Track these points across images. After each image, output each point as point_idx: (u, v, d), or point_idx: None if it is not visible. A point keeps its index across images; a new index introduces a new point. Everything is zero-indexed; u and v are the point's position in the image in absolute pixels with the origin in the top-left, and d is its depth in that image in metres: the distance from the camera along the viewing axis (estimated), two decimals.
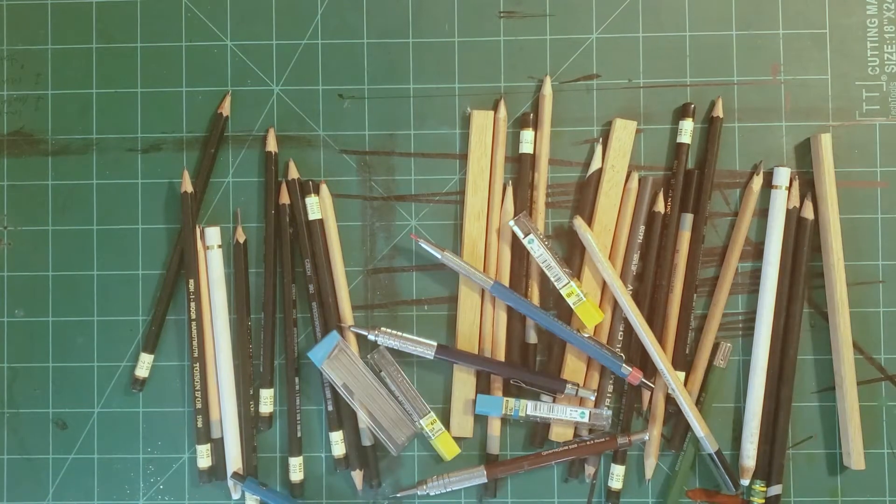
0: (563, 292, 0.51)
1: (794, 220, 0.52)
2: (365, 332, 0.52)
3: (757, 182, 0.52)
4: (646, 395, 0.52)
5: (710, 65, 0.53)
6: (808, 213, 0.52)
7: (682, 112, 0.52)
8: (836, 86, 0.53)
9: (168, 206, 0.54)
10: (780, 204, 0.52)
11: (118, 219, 0.54)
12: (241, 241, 0.53)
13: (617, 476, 0.52)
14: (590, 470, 0.53)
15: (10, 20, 0.55)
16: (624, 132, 0.53)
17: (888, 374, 0.53)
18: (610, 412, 0.52)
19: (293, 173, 0.53)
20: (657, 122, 0.53)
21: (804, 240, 0.52)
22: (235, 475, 0.52)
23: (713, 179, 0.52)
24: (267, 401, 0.53)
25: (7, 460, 0.54)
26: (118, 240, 0.54)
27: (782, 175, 0.52)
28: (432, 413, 0.52)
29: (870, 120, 0.53)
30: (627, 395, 0.52)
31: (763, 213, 0.53)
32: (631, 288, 0.52)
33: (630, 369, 0.51)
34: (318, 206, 0.53)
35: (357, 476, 0.53)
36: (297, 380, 0.53)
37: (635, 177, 0.52)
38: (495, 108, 0.53)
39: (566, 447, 0.52)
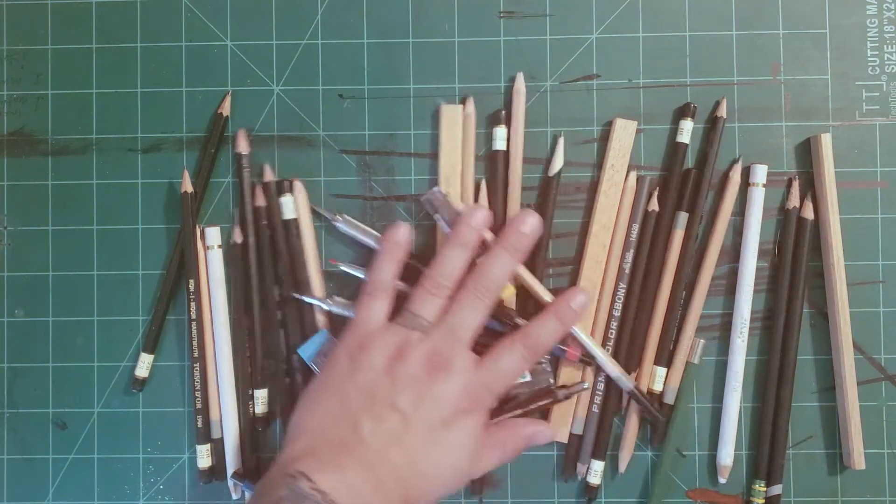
0: None
1: (795, 220, 0.52)
2: (319, 302, 0.52)
3: (735, 171, 0.52)
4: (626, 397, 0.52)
5: (710, 65, 0.53)
6: (808, 213, 0.52)
7: (682, 112, 0.52)
8: (836, 86, 0.53)
9: (168, 206, 0.54)
10: (757, 203, 0.52)
11: (118, 219, 0.54)
12: (239, 241, 0.53)
13: (595, 472, 0.52)
14: (581, 469, 0.53)
15: (10, 20, 0.55)
16: (624, 132, 0.53)
17: (888, 374, 0.53)
18: (549, 366, 0.52)
19: (268, 176, 0.53)
20: (657, 122, 0.53)
21: (804, 240, 0.52)
22: (236, 475, 0.52)
23: (711, 179, 0.52)
24: (260, 401, 0.53)
25: (7, 460, 0.54)
26: (118, 240, 0.54)
27: (759, 173, 0.52)
28: None
29: (870, 120, 0.53)
30: (604, 395, 0.52)
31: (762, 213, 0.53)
32: (624, 286, 0.52)
33: (566, 348, 0.51)
34: (292, 206, 0.53)
35: None
36: (286, 380, 0.53)
37: (633, 176, 0.52)
38: (463, 104, 0.53)
39: (506, 408, 0.51)
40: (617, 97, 0.53)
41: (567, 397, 0.51)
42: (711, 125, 0.53)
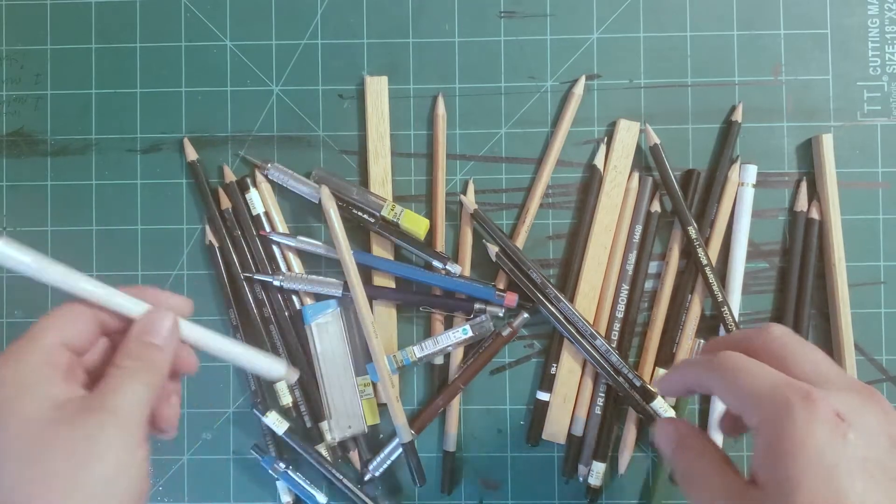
0: (385, 214, 0.52)
1: (803, 222, 0.52)
2: (270, 279, 0.52)
3: (734, 172, 0.52)
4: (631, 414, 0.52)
5: (711, 65, 0.53)
6: (814, 214, 0.52)
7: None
8: (838, 86, 0.53)
9: (168, 207, 0.54)
10: (746, 202, 0.52)
11: (118, 219, 0.54)
12: (215, 243, 0.53)
13: (596, 473, 0.52)
14: (583, 470, 0.53)
15: (10, 20, 0.55)
16: (627, 133, 0.52)
17: (889, 374, 0.53)
18: (488, 316, 0.52)
19: (229, 177, 0.53)
20: (658, 122, 0.53)
21: (812, 241, 0.51)
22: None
23: (713, 181, 0.52)
24: (283, 393, 0.53)
25: None
26: (118, 240, 0.54)
27: (749, 173, 0.52)
28: (368, 376, 0.52)
29: (871, 120, 0.53)
30: (605, 398, 0.52)
31: (757, 213, 0.53)
32: (627, 288, 0.52)
33: (504, 294, 0.51)
34: (259, 200, 0.53)
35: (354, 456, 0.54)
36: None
37: (635, 176, 0.52)
38: (434, 103, 0.53)
39: (465, 365, 0.52)
40: (618, 98, 0.53)
41: (513, 334, 0.52)
42: (727, 128, 0.52)
